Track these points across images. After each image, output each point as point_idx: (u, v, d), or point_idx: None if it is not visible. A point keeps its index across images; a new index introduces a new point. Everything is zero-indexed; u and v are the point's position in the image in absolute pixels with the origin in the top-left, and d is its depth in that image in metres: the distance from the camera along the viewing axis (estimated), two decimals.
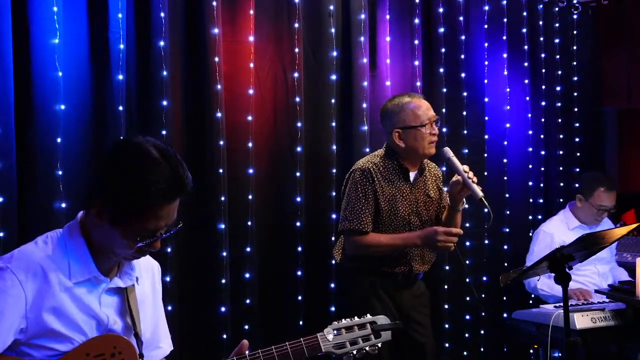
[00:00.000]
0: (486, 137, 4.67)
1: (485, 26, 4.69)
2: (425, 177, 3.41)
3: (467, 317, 4.54)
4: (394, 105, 3.32)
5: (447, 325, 4.42)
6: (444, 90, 4.44)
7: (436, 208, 3.42)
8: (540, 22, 4.97)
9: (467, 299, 4.51)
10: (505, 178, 4.78)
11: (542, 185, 5.03)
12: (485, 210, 3.15)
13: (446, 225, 3.32)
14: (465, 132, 4.53)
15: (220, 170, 3.51)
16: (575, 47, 5.16)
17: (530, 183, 4.92)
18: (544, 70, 5.00)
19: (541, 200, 5.01)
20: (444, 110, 4.43)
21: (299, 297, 3.82)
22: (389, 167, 3.32)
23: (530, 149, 4.92)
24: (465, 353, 4.53)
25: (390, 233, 3.28)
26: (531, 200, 4.93)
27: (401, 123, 3.28)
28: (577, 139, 5.17)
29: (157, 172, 1.74)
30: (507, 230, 4.76)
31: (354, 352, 2.12)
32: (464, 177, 3.17)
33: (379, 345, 2.16)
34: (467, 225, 4.49)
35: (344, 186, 3.39)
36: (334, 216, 3.94)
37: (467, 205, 3.34)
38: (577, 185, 4.65)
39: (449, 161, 3.26)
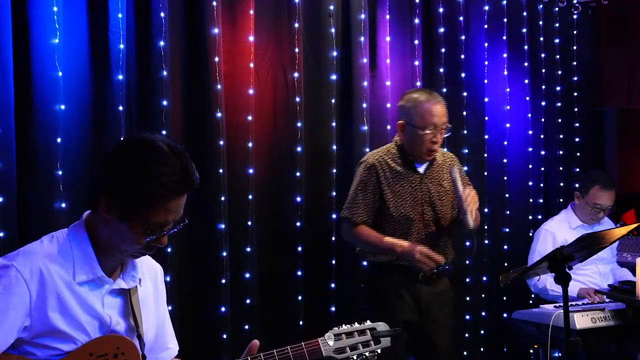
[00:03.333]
0: (486, 137, 4.68)
1: (485, 26, 4.69)
2: (439, 167, 3.43)
3: (467, 317, 4.54)
4: (411, 98, 3.37)
5: None
6: (444, 90, 4.43)
7: (451, 198, 3.41)
8: (540, 22, 4.97)
9: (467, 298, 4.51)
10: (505, 178, 4.78)
11: (542, 185, 5.03)
12: (468, 243, 3.19)
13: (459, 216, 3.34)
14: (465, 132, 4.53)
15: (220, 170, 3.51)
16: (575, 47, 5.17)
17: (530, 183, 4.93)
18: (544, 70, 5.00)
19: (541, 200, 5.02)
20: None
21: (299, 297, 3.82)
22: (397, 160, 3.36)
23: (530, 149, 4.92)
24: (465, 353, 4.54)
25: (400, 225, 3.32)
26: (531, 200, 4.93)
27: (407, 118, 3.33)
28: (577, 139, 5.17)
29: (169, 166, 1.77)
30: (507, 230, 4.76)
31: (354, 357, 2.15)
32: (460, 203, 3.21)
33: (379, 351, 2.19)
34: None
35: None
36: (334, 216, 3.94)
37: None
38: (577, 184, 4.66)
39: (453, 181, 3.29)
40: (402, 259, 3.26)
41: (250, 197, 3.65)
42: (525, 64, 4.87)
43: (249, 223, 3.65)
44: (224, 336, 3.53)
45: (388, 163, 3.35)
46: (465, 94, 4.56)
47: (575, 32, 5.17)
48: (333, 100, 3.96)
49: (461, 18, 4.54)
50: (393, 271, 3.34)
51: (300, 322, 3.82)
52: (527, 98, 4.90)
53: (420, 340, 3.37)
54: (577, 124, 5.17)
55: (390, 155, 3.38)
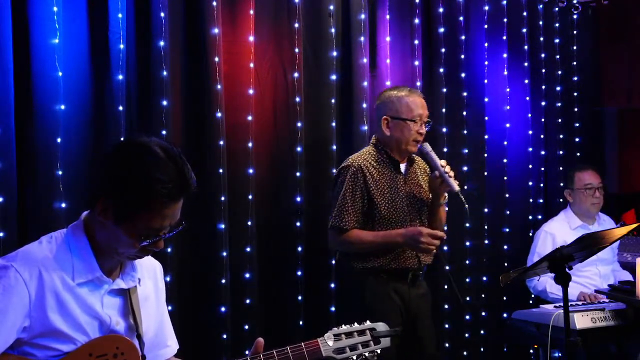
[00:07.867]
0: (486, 137, 4.68)
1: (485, 26, 4.69)
2: (416, 168, 3.46)
3: (467, 317, 4.53)
4: (391, 95, 3.39)
5: (447, 325, 4.42)
6: (444, 90, 4.44)
7: (428, 198, 3.43)
8: (540, 22, 4.98)
9: (467, 298, 4.51)
10: (505, 178, 4.78)
11: (542, 185, 5.03)
12: (465, 206, 3.24)
13: (429, 219, 3.35)
14: (465, 132, 4.53)
15: (220, 170, 3.51)
16: (575, 47, 5.17)
17: (530, 183, 4.93)
18: (544, 70, 5.01)
19: (541, 200, 5.02)
20: (443, 110, 4.43)
21: (299, 297, 3.82)
22: (380, 161, 3.36)
23: (530, 149, 4.92)
24: (465, 353, 4.53)
25: (391, 226, 3.29)
26: (531, 200, 4.93)
27: (392, 112, 3.34)
28: (577, 139, 5.17)
29: (163, 172, 1.76)
30: (507, 230, 4.76)
31: (354, 357, 2.15)
32: (441, 171, 3.22)
33: (378, 351, 2.19)
34: (467, 225, 4.50)
35: (334, 183, 3.42)
36: None
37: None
38: (561, 185, 4.67)
39: (427, 155, 3.31)
40: (406, 246, 3.23)
41: (250, 197, 3.65)
42: (525, 64, 4.87)
43: (249, 223, 3.65)
44: (224, 336, 3.53)
45: (372, 165, 3.33)
46: (465, 94, 4.56)
47: (575, 32, 5.17)
48: (333, 100, 3.96)
49: (461, 18, 4.54)
50: (381, 275, 3.28)
51: (300, 322, 3.81)
52: (527, 98, 4.90)
53: (410, 341, 3.31)
54: (577, 124, 5.17)
55: (371, 157, 3.36)
